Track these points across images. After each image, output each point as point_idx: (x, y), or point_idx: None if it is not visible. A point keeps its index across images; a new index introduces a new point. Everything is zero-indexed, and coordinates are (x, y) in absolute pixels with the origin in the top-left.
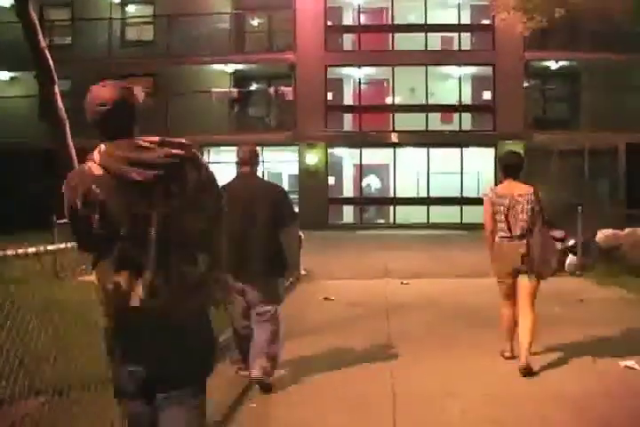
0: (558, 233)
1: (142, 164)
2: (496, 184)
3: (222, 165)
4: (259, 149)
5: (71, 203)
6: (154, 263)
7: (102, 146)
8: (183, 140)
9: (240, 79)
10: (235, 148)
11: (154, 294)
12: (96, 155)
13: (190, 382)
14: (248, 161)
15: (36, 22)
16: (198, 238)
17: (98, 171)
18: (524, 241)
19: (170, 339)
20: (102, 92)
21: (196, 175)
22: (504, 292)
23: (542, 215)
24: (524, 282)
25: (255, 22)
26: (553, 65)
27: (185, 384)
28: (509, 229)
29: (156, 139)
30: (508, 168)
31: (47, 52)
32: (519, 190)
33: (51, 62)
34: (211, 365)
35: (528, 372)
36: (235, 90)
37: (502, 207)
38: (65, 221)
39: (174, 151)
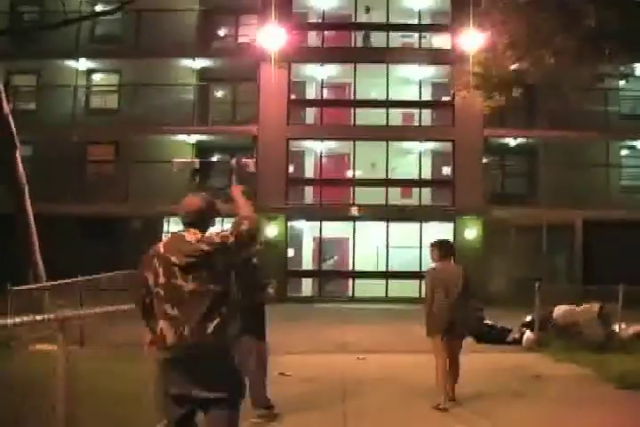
0: (478, 304)
1: (182, 253)
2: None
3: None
4: (218, 219)
5: (142, 269)
6: (182, 318)
7: (170, 235)
8: (215, 239)
9: (202, 150)
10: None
11: (181, 339)
12: (165, 239)
13: (221, 403)
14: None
15: (1, 88)
16: (217, 305)
17: (161, 250)
18: (455, 308)
19: (197, 370)
20: (191, 201)
21: (225, 259)
22: (438, 346)
23: (468, 289)
24: (452, 341)
25: (219, 94)
26: (511, 142)
27: (218, 405)
28: (446, 298)
29: (198, 236)
30: (446, 252)
31: (10, 117)
32: (452, 269)
33: (13, 128)
34: (239, 390)
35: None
36: (196, 160)
37: (441, 281)
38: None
39: (205, 247)
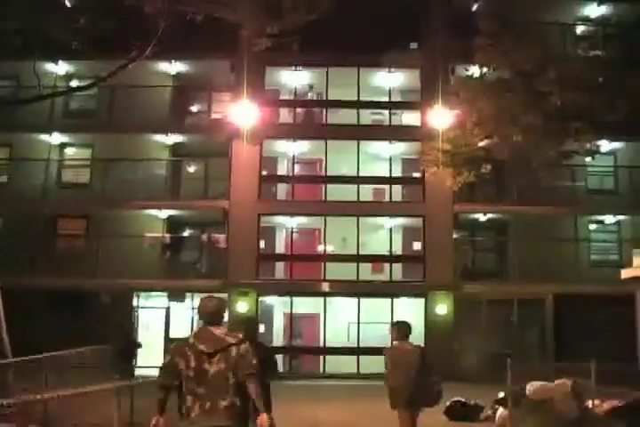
0: (435, 378)
1: (212, 343)
2: (425, 334)
3: (152, 310)
4: (188, 295)
5: (173, 356)
6: (206, 395)
7: (199, 328)
8: (239, 335)
9: (173, 224)
10: (165, 293)
11: (203, 412)
12: (195, 332)
13: None
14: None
15: None
16: (233, 387)
17: (191, 340)
18: (412, 383)
19: None
20: (212, 304)
21: (237, 352)
22: (402, 418)
23: (425, 366)
24: (413, 412)
25: (191, 169)
26: (481, 217)
27: None
28: (404, 374)
29: (223, 331)
30: (403, 332)
31: None
32: (409, 347)
33: None
34: None
35: None
36: (167, 235)
37: (400, 359)
38: None
39: (231, 341)
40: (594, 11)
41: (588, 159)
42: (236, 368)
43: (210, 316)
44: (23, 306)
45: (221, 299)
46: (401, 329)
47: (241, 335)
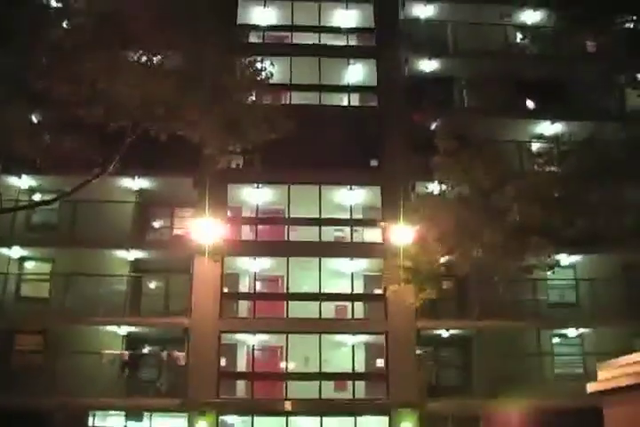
0: None
1: None
2: None
3: None
4: (147, 414)
5: None
6: None
7: None
8: None
9: (133, 341)
10: (123, 412)
11: None
12: None
13: None
14: None
15: None
16: None
17: None
18: None
19: None
20: None
21: None
22: None
23: None
24: None
25: (152, 285)
26: (444, 332)
27: None
28: None
29: None
30: None
31: None
32: None
33: None
34: None
35: None
36: (126, 352)
37: None
38: None
39: None
40: (548, 129)
41: (549, 273)
42: None
43: None
44: None
45: None
46: None
47: None
